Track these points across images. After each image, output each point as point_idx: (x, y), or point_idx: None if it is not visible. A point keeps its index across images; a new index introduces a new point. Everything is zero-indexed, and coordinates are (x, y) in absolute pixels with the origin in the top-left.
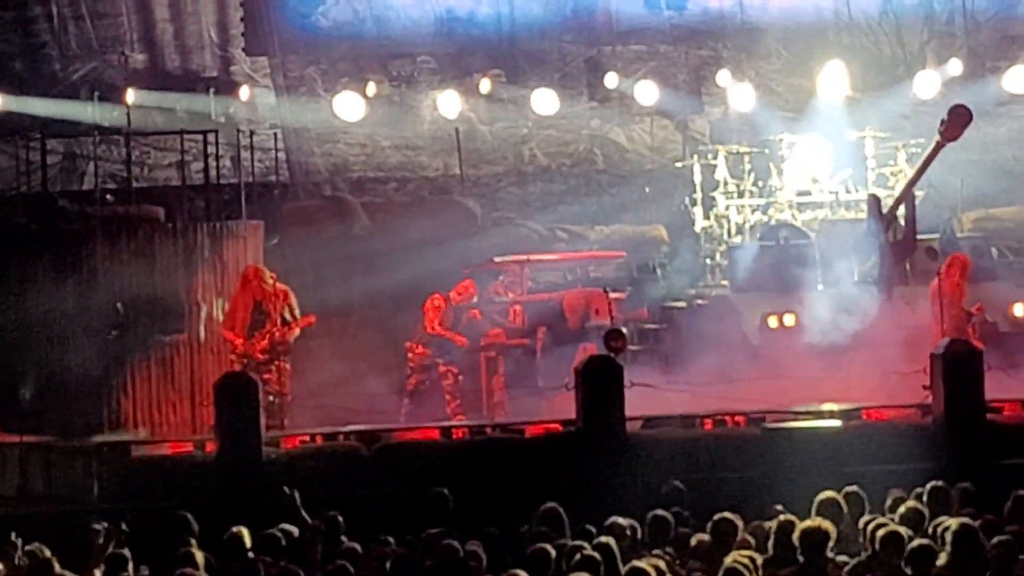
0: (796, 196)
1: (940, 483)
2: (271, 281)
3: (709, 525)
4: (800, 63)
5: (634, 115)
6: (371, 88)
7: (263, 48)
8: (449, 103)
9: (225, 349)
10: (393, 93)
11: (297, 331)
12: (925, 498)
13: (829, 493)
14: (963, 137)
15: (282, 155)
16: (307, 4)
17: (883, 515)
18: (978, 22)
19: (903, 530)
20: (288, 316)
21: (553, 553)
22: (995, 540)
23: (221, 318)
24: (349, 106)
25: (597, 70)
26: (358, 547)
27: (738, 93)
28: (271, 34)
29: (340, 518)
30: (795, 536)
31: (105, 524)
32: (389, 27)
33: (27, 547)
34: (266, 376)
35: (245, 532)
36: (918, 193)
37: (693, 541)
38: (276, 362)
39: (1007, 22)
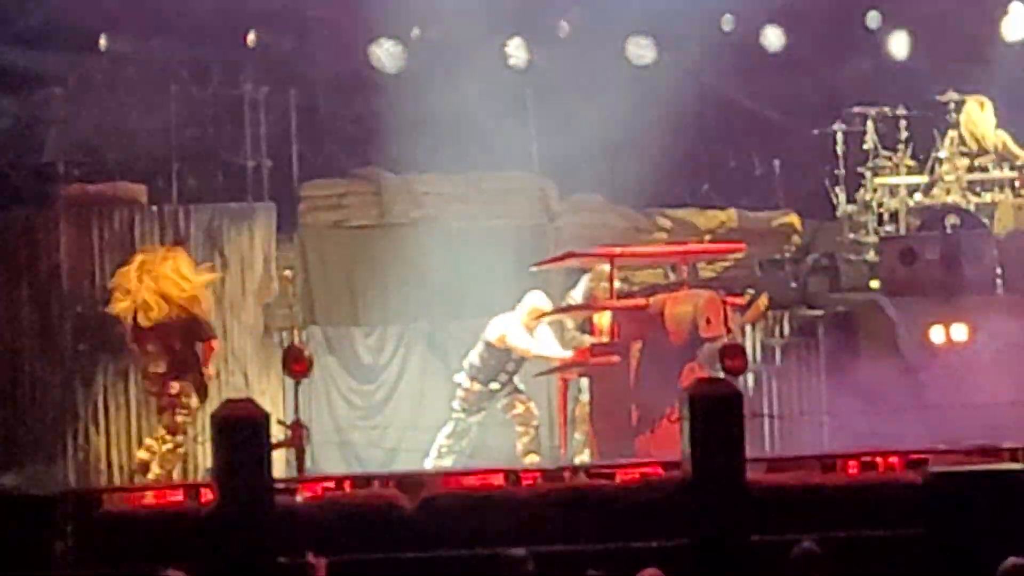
0: (968, 173)
1: None
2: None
3: None
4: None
5: (757, 67)
6: (415, 32)
7: None
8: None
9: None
10: (443, 36)
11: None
12: None
13: (1017, 561)
14: None
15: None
16: None
17: None
18: None
19: None
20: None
21: None
22: None
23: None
24: (388, 56)
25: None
26: None
27: (893, 40)
28: None
29: None
30: None
31: None
32: None
33: None
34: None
35: None
36: None
37: None
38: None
39: None
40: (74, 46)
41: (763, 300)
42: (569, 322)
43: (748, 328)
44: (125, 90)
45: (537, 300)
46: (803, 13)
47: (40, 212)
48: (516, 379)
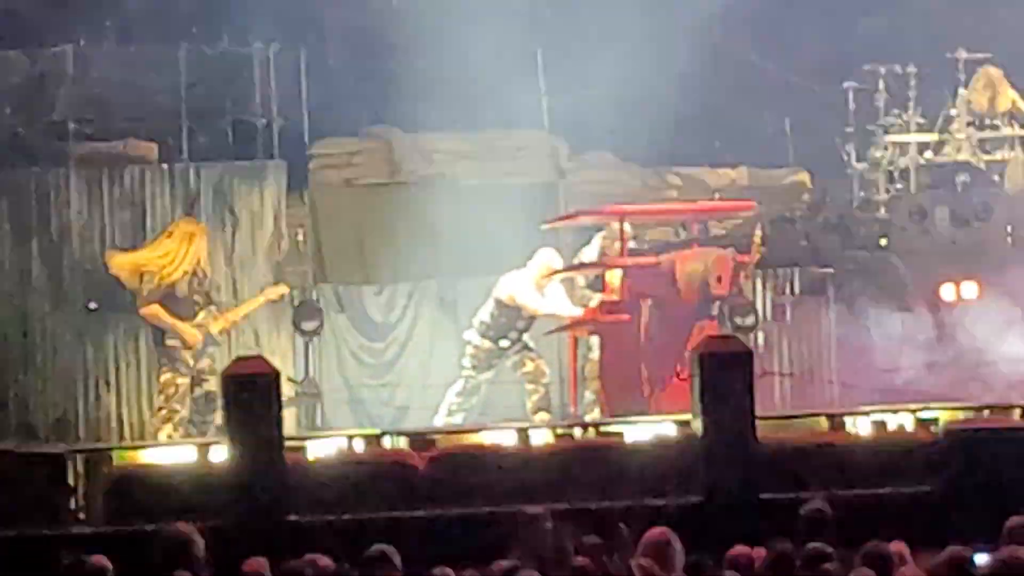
0: (979, 131)
1: None
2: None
3: (860, 558)
4: None
5: (768, 24)
6: None
7: None
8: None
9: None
10: None
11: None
12: None
13: (1021, 520)
14: None
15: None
16: None
17: None
18: None
19: None
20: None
21: None
22: None
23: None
24: None
25: None
26: None
27: None
28: None
29: (390, 551)
30: None
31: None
32: None
33: None
34: (198, 365)
35: (265, 564)
36: None
37: None
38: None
39: None
40: (84, 4)
41: (756, 235)
42: (580, 280)
43: (759, 285)
44: (136, 48)
45: (549, 258)
46: None
47: (51, 170)
48: (526, 337)
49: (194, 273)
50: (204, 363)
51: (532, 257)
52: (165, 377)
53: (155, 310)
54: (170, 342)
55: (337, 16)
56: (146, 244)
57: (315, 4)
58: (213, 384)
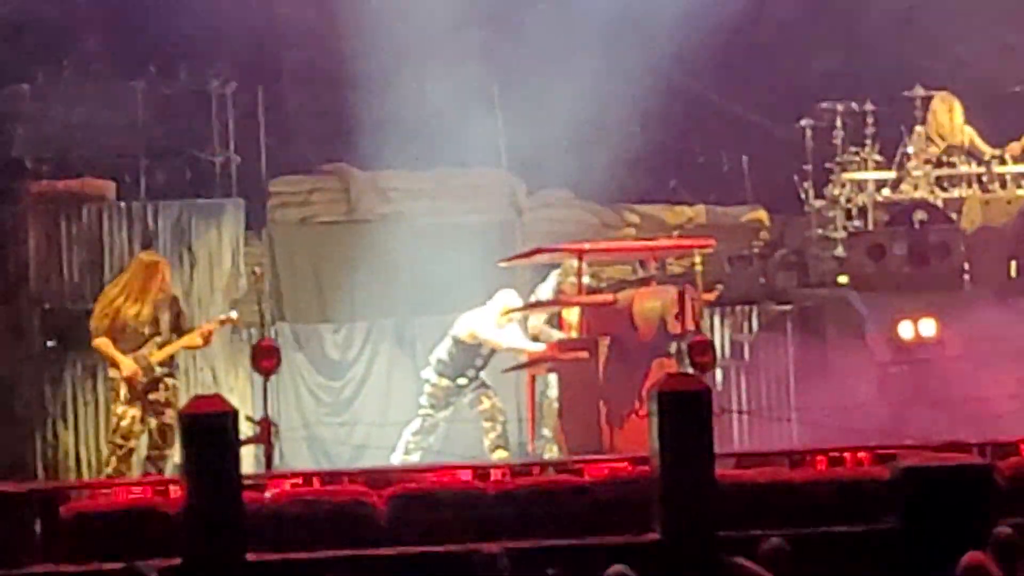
0: (935, 168)
1: None
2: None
3: None
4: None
5: (726, 62)
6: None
7: None
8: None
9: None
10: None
11: (198, 341)
12: None
13: (975, 556)
14: None
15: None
16: None
17: None
18: None
19: None
20: (177, 323)
21: None
22: None
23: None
24: None
25: None
26: None
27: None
28: None
29: None
30: None
31: None
32: None
33: None
34: (152, 397)
35: None
36: None
37: None
38: (165, 379)
39: None
40: (42, 42)
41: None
42: (540, 317)
43: (717, 323)
44: (93, 86)
45: (509, 299)
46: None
47: (8, 208)
48: (483, 375)
49: (168, 303)
50: (161, 395)
51: (492, 296)
52: (118, 409)
53: (101, 342)
54: (112, 373)
55: (294, 55)
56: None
57: (272, 43)
58: (169, 417)
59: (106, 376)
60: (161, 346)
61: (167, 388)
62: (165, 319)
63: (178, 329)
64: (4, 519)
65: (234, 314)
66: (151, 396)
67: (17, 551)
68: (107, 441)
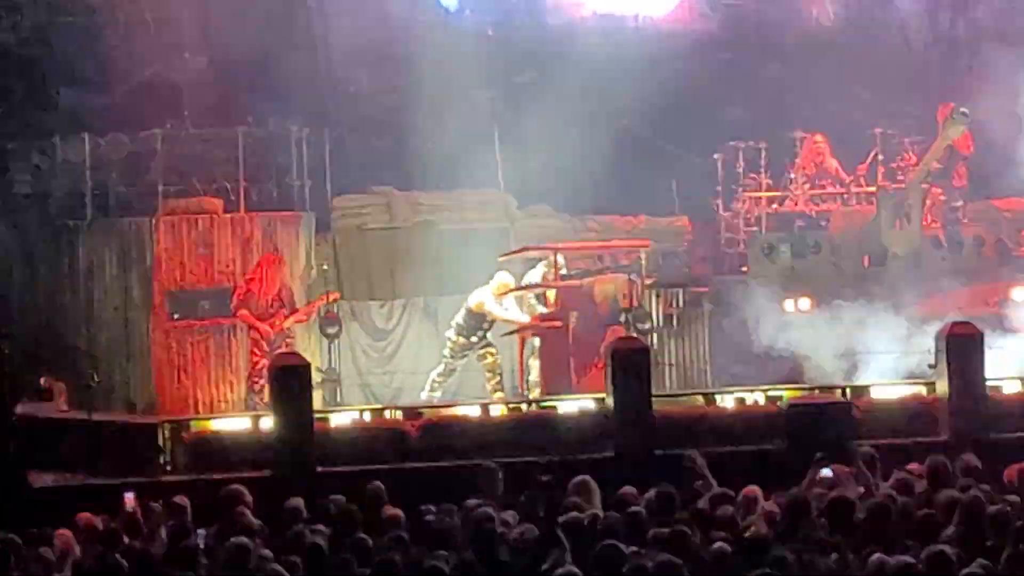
0: (811, 190)
1: (941, 458)
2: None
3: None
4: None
5: (662, 110)
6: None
7: None
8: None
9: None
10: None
11: (304, 317)
12: (926, 469)
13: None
14: None
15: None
16: None
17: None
18: None
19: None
20: (292, 300)
21: (586, 521)
22: (992, 509)
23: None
24: None
25: None
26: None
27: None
28: None
29: (382, 488)
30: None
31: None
32: None
33: None
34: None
35: (301, 503)
36: None
37: (719, 512)
38: (285, 341)
39: None
40: (170, 97)
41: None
42: (531, 297)
43: (653, 301)
44: (208, 130)
45: (504, 278)
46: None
47: (146, 219)
48: (488, 336)
49: (279, 290)
50: (283, 349)
51: (492, 278)
52: (254, 359)
53: (243, 313)
54: (253, 335)
55: (350, 107)
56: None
57: (335, 97)
58: None
59: (225, 339)
60: (285, 317)
61: (287, 346)
62: (284, 298)
63: (292, 305)
64: (144, 442)
65: (333, 297)
66: (275, 351)
67: (154, 465)
68: (247, 379)
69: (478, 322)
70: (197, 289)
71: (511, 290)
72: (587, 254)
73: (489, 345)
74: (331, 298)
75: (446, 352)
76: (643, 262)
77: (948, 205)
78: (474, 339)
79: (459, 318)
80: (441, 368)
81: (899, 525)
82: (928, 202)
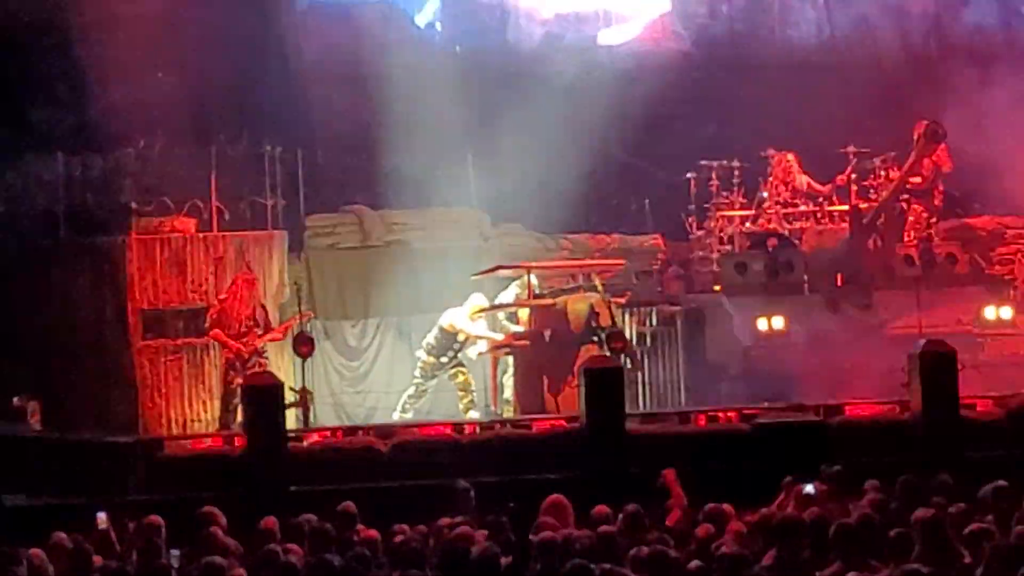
0: (783, 208)
1: (913, 476)
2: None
3: (702, 515)
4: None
5: (634, 131)
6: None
7: None
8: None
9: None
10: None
11: (279, 335)
12: (898, 488)
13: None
14: None
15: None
16: None
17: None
18: None
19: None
20: (266, 319)
21: (559, 540)
22: (968, 529)
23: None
24: None
25: None
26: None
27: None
28: None
29: (355, 508)
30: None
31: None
32: None
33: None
34: (250, 370)
35: (274, 522)
36: None
37: (695, 530)
38: (258, 360)
39: None
40: (141, 117)
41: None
42: (501, 315)
43: (627, 319)
44: (179, 150)
45: (479, 300)
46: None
47: (118, 237)
48: (460, 356)
49: (253, 309)
50: (256, 368)
51: (466, 299)
52: (232, 379)
53: (216, 332)
54: (226, 354)
55: (323, 127)
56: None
57: (307, 118)
58: None
59: (198, 358)
60: (259, 337)
61: (260, 365)
62: (259, 317)
63: (267, 324)
64: (118, 462)
65: (306, 317)
66: (248, 370)
67: (127, 485)
68: (220, 398)
69: (450, 342)
70: (170, 308)
71: (484, 310)
72: (560, 273)
73: (460, 364)
74: (304, 318)
75: (417, 373)
76: (598, 284)
77: (925, 224)
78: (444, 359)
79: (430, 338)
80: (412, 390)
81: (871, 543)
82: (907, 219)
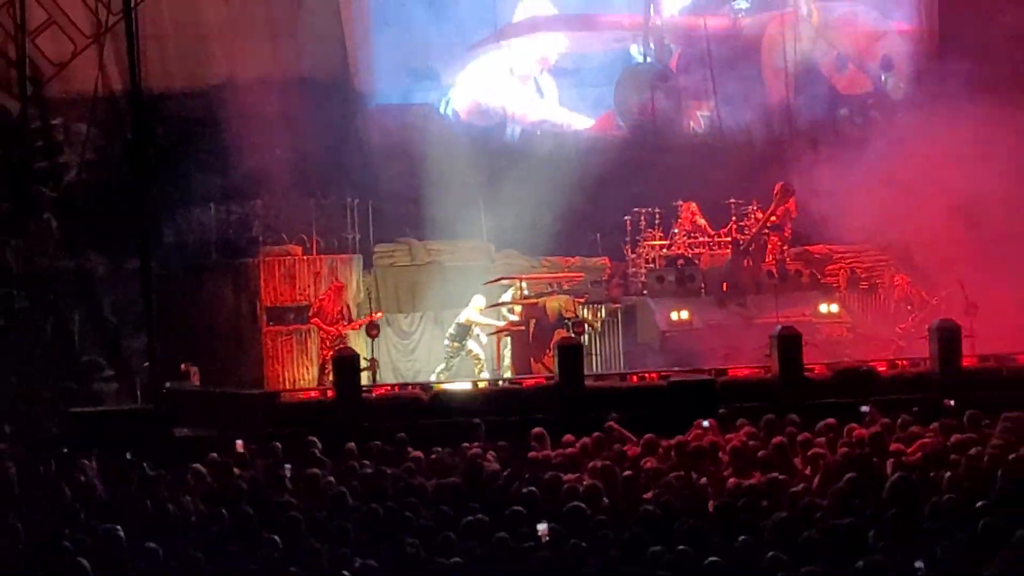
0: (688, 239)
1: (773, 416)
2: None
3: (641, 441)
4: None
5: (592, 184)
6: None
7: None
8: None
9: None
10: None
11: (356, 326)
12: (763, 424)
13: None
14: None
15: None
16: None
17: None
18: None
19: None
20: (348, 314)
21: (541, 458)
22: (809, 452)
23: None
24: None
25: None
26: (420, 454)
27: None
28: None
29: (406, 436)
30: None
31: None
32: None
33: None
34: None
35: (354, 446)
36: None
37: (627, 452)
38: (342, 340)
39: None
40: (262, 174)
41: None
42: (504, 310)
43: (585, 312)
44: (288, 200)
45: (479, 300)
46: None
47: (251, 260)
48: (472, 342)
49: (342, 307)
50: (341, 346)
51: (472, 299)
52: (325, 353)
53: (315, 321)
54: (322, 335)
55: (385, 184)
56: (320, 293)
57: (375, 178)
58: None
59: (302, 338)
60: (345, 327)
61: (344, 344)
62: (344, 313)
63: (349, 317)
64: (250, 407)
65: (378, 314)
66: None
67: (255, 422)
68: (318, 365)
69: (465, 332)
70: (285, 305)
71: (492, 306)
72: (541, 282)
73: (475, 346)
74: (377, 315)
75: (445, 352)
76: (566, 289)
77: (780, 249)
78: (458, 344)
79: (452, 329)
80: (443, 365)
81: (747, 460)
82: (769, 247)
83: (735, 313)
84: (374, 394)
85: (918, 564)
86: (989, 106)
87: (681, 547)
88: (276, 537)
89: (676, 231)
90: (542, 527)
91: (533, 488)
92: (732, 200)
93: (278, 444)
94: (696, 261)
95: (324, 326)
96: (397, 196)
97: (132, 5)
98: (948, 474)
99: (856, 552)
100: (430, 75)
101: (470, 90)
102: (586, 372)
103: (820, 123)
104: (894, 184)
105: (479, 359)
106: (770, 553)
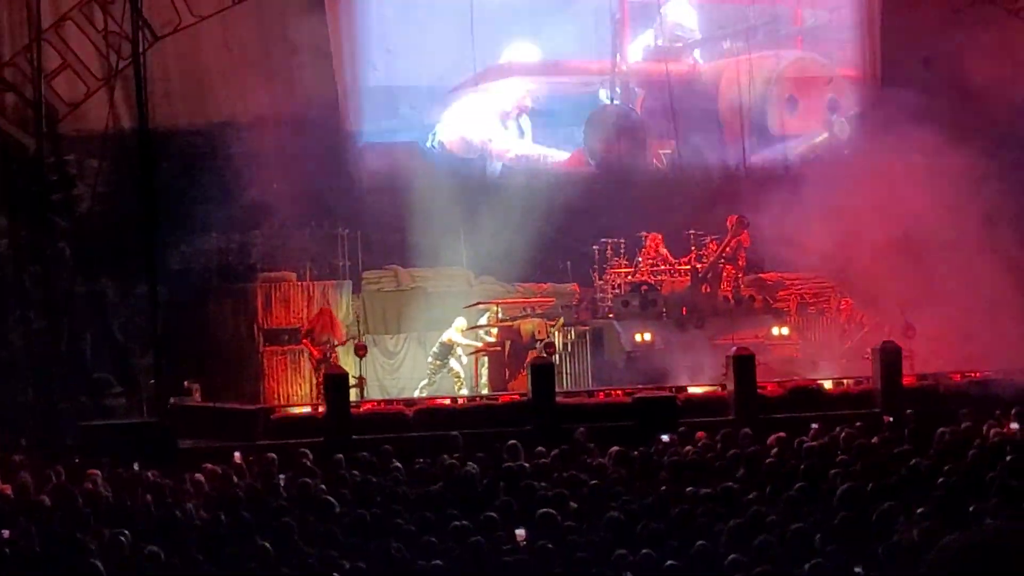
0: (651, 267)
1: (729, 430)
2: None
3: (607, 456)
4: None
5: (563, 216)
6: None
7: None
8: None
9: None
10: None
11: (344, 346)
12: (720, 436)
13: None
14: None
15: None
16: None
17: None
18: None
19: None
20: (334, 339)
21: (515, 468)
22: (765, 463)
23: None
24: None
25: None
26: (400, 466)
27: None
28: None
29: (391, 448)
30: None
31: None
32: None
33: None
34: (326, 367)
35: (342, 457)
36: None
37: (595, 463)
38: (331, 359)
39: None
40: (261, 207)
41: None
42: (482, 332)
43: (557, 335)
44: (285, 230)
45: (460, 321)
46: (580, 195)
47: (249, 285)
48: (453, 360)
49: (332, 330)
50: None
51: (454, 320)
52: (320, 372)
53: (306, 342)
54: (308, 356)
55: (373, 216)
56: (311, 316)
57: (364, 210)
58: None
59: (296, 358)
60: (334, 347)
61: (332, 364)
62: (334, 335)
63: (339, 338)
64: (247, 421)
65: (364, 340)
66: (325, 368)
67: (252, 435)
68: (316, 383)
69: (447, 351)
70: (280, 327)
71: (471, 328)
72: (515, 306)
73: (455, 364)
74: (358, 342)
75: (428, 369)
76: (552, 311)
77: (735, 277)
78: (440, 362)
79: (435, 348)
80: (426, 381)
81: (702, 471)
82: (725, 274)
83: (694, 335)
84: (362, 409)
85: (857, 570)
86: (928, 145)
87: (644, 550)
88: (267, 543)
89: (640, 259)
90: (520, 532)
91: (508, 497)
92: (691, 231)
93: (273, 455)
94: (658, 287)
95: (312, 348)
96: (384, 227)
97: (140, 51)
98: (889, 482)
99: (805, 555)
100: (414, 116)
101: (455, 127)
102: (557, 389)
103: (772, 161)
104: (841, 217)
105: (459, 377)
106: (731, 556)
